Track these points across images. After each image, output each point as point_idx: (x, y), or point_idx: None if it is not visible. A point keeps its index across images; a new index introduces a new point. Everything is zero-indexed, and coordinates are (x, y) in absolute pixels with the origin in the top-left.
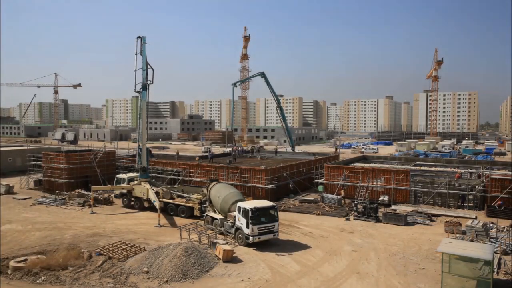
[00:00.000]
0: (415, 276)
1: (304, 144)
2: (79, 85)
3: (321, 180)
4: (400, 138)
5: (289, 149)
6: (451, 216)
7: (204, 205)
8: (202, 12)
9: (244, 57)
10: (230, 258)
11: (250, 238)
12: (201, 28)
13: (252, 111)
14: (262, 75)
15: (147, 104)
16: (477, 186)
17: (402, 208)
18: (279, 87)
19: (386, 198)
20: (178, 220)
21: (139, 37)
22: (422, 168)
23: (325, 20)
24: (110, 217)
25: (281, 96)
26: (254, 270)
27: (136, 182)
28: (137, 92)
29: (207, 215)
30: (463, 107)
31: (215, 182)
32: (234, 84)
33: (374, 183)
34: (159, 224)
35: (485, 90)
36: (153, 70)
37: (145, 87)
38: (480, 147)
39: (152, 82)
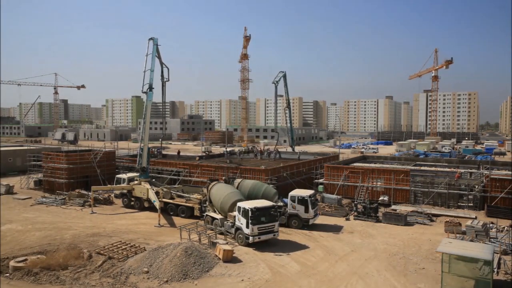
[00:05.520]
0: (415, 276)
1: (304, 144)
2: (83, 86)
3: (321, 180)
4: (400, 138)
5: (289, 149)
6: (451, 216)
7: (204, 205)
8: (202, 11)
9: (244, 57)
10: (230, 258)
11: (250, 238)
12: (200, 27)
13: (252, 111)
14: (284, 75)
15: (163, 102)
16: (477, 186)
17: (402, 208)
18: (279, 87)
19: (386, 198)
20: (178, 220)
21: (151, 38)
22: (422, 168)
23: (325, 20)
24: (110, 217)
25: (281, 96)
26: (254, 270)
27: (136, 182)
28: (144, 92)
29: (207, 215)
30: (463, 107)
31: (215, 182)
32: (276, 82)
33: (374, 183)
34: (159, 224)
35: (485, 90)
36: (168, 69)
37: (152, 88)
38: (479, 147)
39: (168, 80)
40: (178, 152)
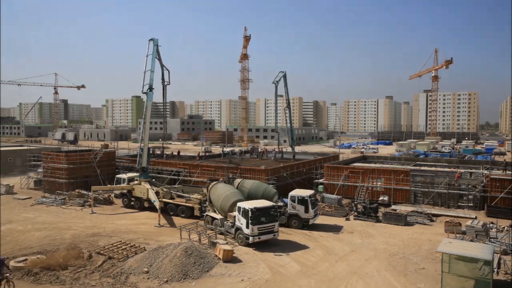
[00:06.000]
0: (415, 276)
1: (304, 144)
2: (83, 86)
3: (321, 180)
4: (400, 138)
5: (289, 149)
6: (451, 216)
7: (204, 205)
8: (202, 11)
9: (244, 57)
10: (230, 258)
11: (250, 238)
12: (201, 27)
13: (252, 111)
14: (284, 75)
15: (164, 105)
16: (477, 186)
17: (402, 208)
18: (279, 87)
19: (386, 198)
20: (178, 220)
21: (151, 39)
22: (422, 168)
23: (325, 20)
24: (110, 217)
25: (281, 96)
26: (254, 270)
27: (136, 182)
28: (144, 93)
29: (207, 215)
30: (463, 107)
31: (215, 182)
32: (276, 82)
33: (374, 183)
34: (159, 224)
35: (485, 90)
36: (168, 71)
37: (152, 88)
38: (479, 147)
39: (169, 83)
40: (178, 152)
